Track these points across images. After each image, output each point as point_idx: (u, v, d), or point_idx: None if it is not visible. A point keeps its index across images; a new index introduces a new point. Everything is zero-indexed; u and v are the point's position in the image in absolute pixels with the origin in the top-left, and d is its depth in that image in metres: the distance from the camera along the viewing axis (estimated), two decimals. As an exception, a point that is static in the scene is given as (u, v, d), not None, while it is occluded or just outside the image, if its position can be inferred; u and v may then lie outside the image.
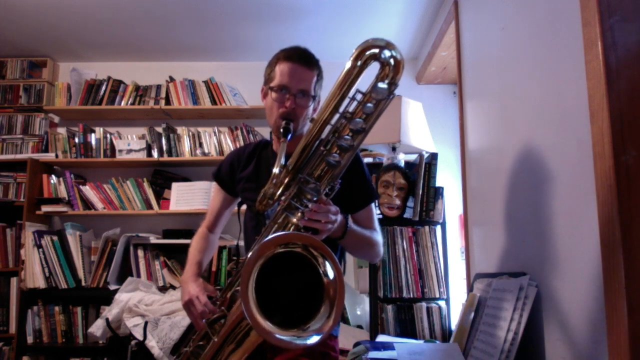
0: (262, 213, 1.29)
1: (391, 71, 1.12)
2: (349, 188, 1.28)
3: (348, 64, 1.13)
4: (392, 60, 1.12)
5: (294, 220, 1.11)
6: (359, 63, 1.12)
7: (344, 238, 1.25)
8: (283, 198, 1.15)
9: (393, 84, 1.13)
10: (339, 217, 1.17)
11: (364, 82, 1.15)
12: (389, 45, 1.12)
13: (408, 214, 2.45)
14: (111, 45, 3.24)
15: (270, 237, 1.00)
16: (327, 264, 1.01)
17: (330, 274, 1.01)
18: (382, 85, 1.11)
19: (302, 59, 1.32)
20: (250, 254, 0.99)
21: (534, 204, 1.42)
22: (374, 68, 1.15)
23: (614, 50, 1.01)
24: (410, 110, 2.65)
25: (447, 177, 2.89)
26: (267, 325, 0.95)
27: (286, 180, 1.16)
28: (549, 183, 1.32)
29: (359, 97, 1.14)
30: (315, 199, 1.11)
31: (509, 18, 1.66)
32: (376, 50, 1.11)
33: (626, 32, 1.00)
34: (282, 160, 1.15)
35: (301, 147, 1.17)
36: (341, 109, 1.15)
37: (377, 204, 2.43)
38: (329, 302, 1.00)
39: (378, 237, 1.41)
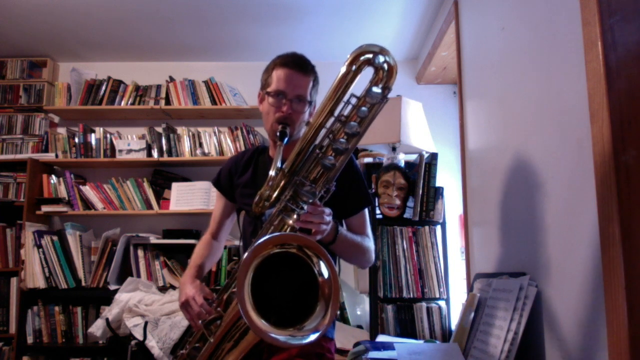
0: (260, 217, 1.31)
1: (385, 76, 1.15)
2: (343, 192, 1.29)
3: (343, 69, 1.16)
4: (385, 65, 1.14)
5: (290, 222, 1.14)
6: (353, 68, 1.15)
7: (335, 243, 1.26)
8: (279, 201, 1.17)
9: (387, 88, 1.15)
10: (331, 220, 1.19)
11: (359, 86, 1.18)
12: (382, 51, 1.14)
13: (408, 214, 2.45)
14: (111, 45, 3.24)
15: (264, 238, 1.01)
16: (321, 263, 1.02)
17: (325, 273, 1.02)
18: (376, 89, 1.14)
19: (298, 65, 1.35)
20: (245, 254, 1.00)
21: (534, 204, 1.42)
22: (368, 73, 1.17)
23: (614, 50, 1.01)
24: (410, 110, 2.65)
25: (447, 177, 2.89)
26: (262, 324, 0.96)
27: (282, 183, 1.18)
28: (549, 183, 1.32)
29: (353, 101, 1.16)
30: (310, 200, 1.13)
31: (509, 18, 1.66)
32: (370, 56, 1.14)
33: (626, 32, 1.00)
34: (279, 164, 1.17)
35: (297, 150, 1.19)
36: (336, 113, 1.17)
37: (377, 205, 2.43)
38: (324, 301, 1.01)
39: (369, 243, 1.42)
